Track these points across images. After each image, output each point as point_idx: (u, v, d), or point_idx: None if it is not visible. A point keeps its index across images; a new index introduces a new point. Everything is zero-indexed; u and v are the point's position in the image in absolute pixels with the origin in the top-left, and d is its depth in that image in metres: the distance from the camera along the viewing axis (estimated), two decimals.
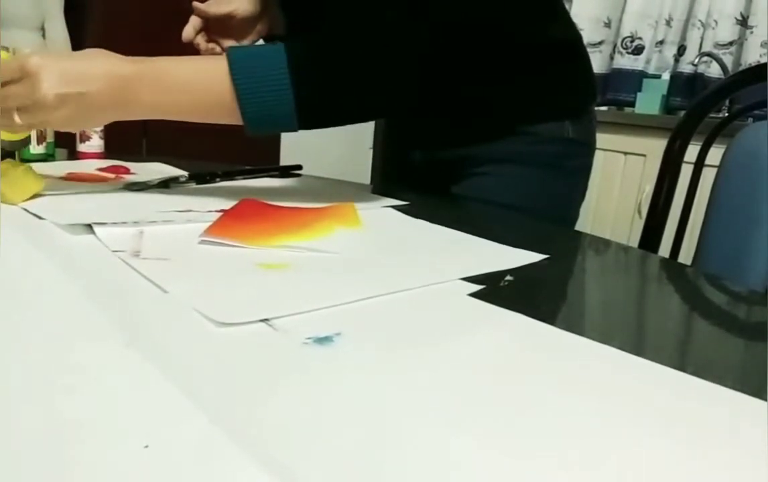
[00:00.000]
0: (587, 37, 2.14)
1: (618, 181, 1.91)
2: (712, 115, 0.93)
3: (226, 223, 0.48)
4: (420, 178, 0.81)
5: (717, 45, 2.04)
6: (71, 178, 0.68)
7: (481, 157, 0.75)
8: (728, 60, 2.02)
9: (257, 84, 0.55)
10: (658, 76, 2.18)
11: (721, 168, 0.85)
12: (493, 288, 0.38)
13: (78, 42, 1.95)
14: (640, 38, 2.17)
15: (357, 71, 0.57)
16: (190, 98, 0.56)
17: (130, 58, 0.54)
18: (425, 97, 0.77)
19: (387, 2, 0.57)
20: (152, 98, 0.54)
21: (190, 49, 0.72)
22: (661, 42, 2.18)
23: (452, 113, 0.76)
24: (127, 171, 0.75)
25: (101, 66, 0.53)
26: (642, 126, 1.86)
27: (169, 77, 0.55)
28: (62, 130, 0.58)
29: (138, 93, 0.54)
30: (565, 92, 0.76)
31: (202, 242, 0.44)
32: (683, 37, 2.13)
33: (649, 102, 2.09)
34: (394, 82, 0.59)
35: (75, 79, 0.51)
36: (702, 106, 0.91)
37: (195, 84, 0.56)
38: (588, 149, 0.79)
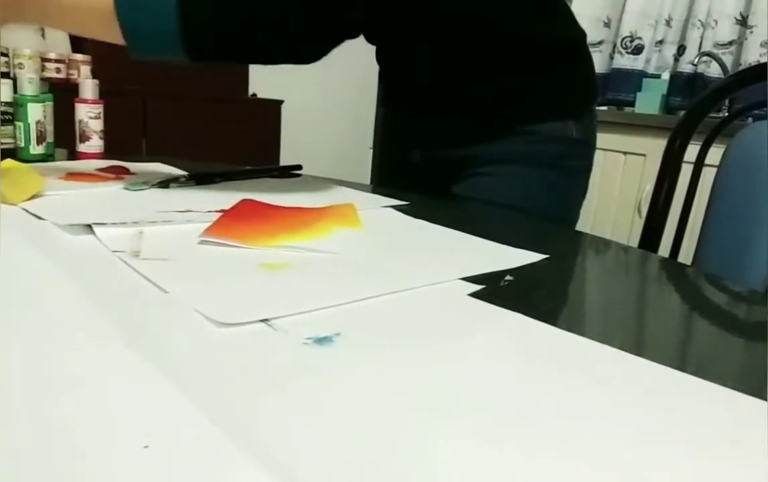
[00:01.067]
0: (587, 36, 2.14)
1: (618, 180, 1.91)
2: (712, 114, 0.93)
3: (226, 223, 0.48)
4: (421, 178, 0.81)
5: (717, 45, 2.04)
6: (71, 178, 0.68)
7: (483, 156, 0.75)
8: (728, 60, 2.02)
9: None
10: (658, 76, 2.18)
11: (721, 168, 0.85)
12: (493, 288, 0.38)
13: (78, 41, 1.95)
14: (639, 38, 2.17)
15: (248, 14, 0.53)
16: (74, 13, 0.54)
17: None
18: (430, 96, 0.77)
19: None
20: (39, 18, 0.54)
21: None
22: (661, 42, 2.18)
23: (455, 113, 0.76)
24: (126, 171, 0.75)
25: None
26: (642, 126, 1.86)
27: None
28: None
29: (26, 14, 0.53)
30: (569, 91, 0.75)
31: (202, 242, 0.44)
32: (683, 37, 2.13)
33: (648, 102, 2.09)
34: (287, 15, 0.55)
35: None
36: (702, 105, 0.91)
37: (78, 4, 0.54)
38: (589, 149, 0.79)
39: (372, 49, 0.81)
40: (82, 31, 0.55)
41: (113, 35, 0.53)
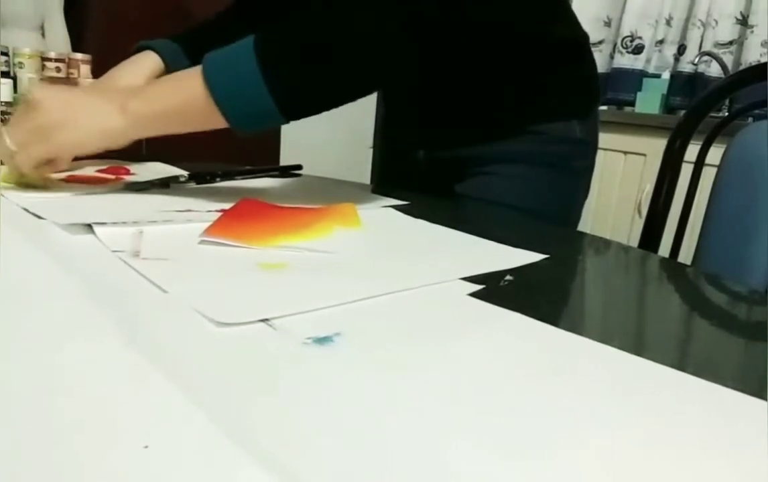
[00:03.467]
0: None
1: (618, 180, 1.91)
2: (712, 114, 0.93)
3: (226, 223, 0.47)
4: (423, 178, 0.81)
5: (717, 44, 2.04)
6: (71, 180, 0.68)
7: (488, 156, 0.74)
8: (728, 59, 2.02)
9: (233, 85, 0.54)
10: (658, 76, 2.18)
11: (721, 168, 0.85)
12: (493, 288, 0.38)
13: (78, 42, 1.95)
14: (640, 37, 2.17)
15: (331, 56, 0.55)
16: (179, 117, 0.57)
17: (121, 97, 0.58)
18: (436, 96, 0.77)
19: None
20: (146, 130, 0.58)
21: None
22: (661, 41, 2.18)
23: (462, 113, 0.76)
24: (127, 172, 0.75)
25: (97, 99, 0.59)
26: (642, 125, 1.86)
27: (156, 104, 0.57)
28: (68, 153, 0.61)
29: (131, 133, 0.58)
30: (575, 91, 0.75)
31: (202, 242, 0.44)
32: (683, 37, 2.13)
33: (649, 101, 2.09)
34: (371, 63, 0.58)
35: (73, 104, 0.57)
36: (702, 105, 0.91)
37: (178, 102, 0.57)
38: (593, 149, 0.79)
39: None
40: (187, 128, 0.58)
41: (218, 122, 0.56)
